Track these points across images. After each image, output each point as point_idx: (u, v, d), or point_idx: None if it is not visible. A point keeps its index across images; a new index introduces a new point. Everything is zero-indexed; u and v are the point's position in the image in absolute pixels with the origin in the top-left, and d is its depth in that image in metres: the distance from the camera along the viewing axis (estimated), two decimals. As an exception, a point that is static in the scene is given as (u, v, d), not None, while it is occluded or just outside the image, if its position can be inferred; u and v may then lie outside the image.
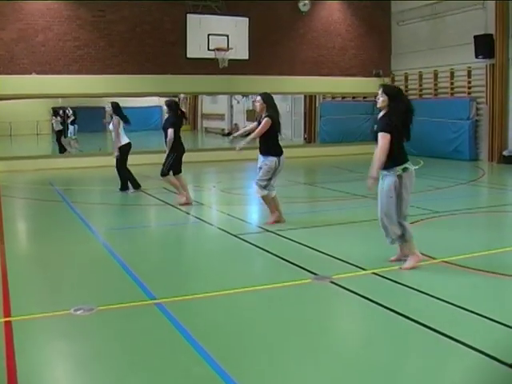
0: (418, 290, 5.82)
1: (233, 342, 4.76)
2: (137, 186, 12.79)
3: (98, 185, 11.42)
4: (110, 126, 12.67)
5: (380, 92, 6.59)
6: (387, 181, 6.57)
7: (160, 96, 36.79)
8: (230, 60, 19.36)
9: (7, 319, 5.19)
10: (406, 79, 22.61)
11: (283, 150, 8.97)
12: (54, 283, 6.50)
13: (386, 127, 6.46)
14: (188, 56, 19.12)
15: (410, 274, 6.45)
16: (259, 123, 8.92)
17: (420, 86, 22.06)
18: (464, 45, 19.41)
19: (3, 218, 10.13)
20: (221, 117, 38.44)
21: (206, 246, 8.25)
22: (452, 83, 20.70)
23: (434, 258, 7.03)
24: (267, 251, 7.54)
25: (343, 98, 24.69)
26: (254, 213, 11.33)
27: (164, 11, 19.63)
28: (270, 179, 8.93)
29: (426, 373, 4.15)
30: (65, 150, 22.93)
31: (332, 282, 6.14)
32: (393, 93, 6.60)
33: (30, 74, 18.13)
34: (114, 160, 12.66)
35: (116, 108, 12.73)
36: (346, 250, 7.09)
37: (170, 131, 10.86)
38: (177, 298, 5.76)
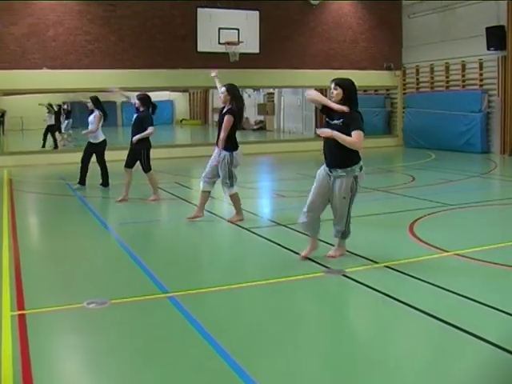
0: (430, 283, 5.79)
1: (245, 335, 4.76)
2: (83, 182, 12.64)
3: (110, 179, 11.45)
4: (90, 119, 12.47)
5: (333, 86, 6.43)
6: (344, 183, 6.42)
7: (171, 90, 37.11)
8: (240, 54, 19.35)
9: (21, 312, 5.22)
10: (418, 72, 22.55)
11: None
12: (67, 277, 6.52)
13: (361, 124, 6.32)
14: (199, 50, 19.13)
15: (423, 267, 6.43)
16: (221, 113, 8.84)
17: (431, 78, 21.99)
18: (475, 37, 19.31)
19: (16, 213, 10.18)
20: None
21: (217, 239, 8.26)
22: (463, 75, 20.62)
23: (446, 251, 7.00)
24: (279, 245, 7.54)
25: (354, 91, 24.61)
26: (266, 206, 11.34)
27: (174, 5, 19.63)
28: (231, 175, 8.78)
29: (440, 366, 4.13)
30: (55, 144, 22.82)
31: (344, 276, 6.13)
32: (347, 85, 6.41)
33: (41, 68, 18.21)
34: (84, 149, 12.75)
35: (96, 102, 12.60)
36: (357, 243, 7.07)
37: (152, 129, 10.67)
38: (189, 292, 5.77)
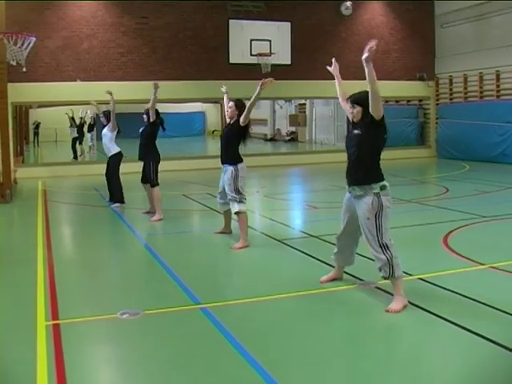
0: (465, 296, 5.71)
1: (278, 346, 4.73)
2: (122, 200, 12.09)
3: (141, 190, 11.49)
4: (104, 131, 12.06)
5: (350, 105, 5.86)
6: (365, 202, 5.67)
7: (203, 102, 37.33)
8: (272, 65, 19.39)
9: (55, 322, 5.26)
10: (451, 82, 22.37)
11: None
12: (100, 287, 6.56)
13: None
14: (230, 61, 19.24)
15: (457, 280, 6.35)
16: (227, 127, 8.58)
17: (465, 88, 21.78)
18: (510, 46, 19.10)
19: (50, 223, 10.28)
20: (263, 122, 38.53)
21: (249, 250, 8.24)
22: (498, 85, 20.39)
23: (481, 264, 6.90)
24: (311, 256, 7.50)
25: (386, 101, 24.51)
26: (298, 218, 11.30)
27: (206, 17, 19.78)
28: (238, 190, 8.30)
29: (473, 381, 4.08)
30: (77, 156, 23.09)
31: (377, 288, 6.07)
32: (364, 100, 5.69)
33: (75, 80, 18.43)
34: (105, 169, 12.23)
35: (109, 116, 12.13)
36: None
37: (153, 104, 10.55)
38: (221, 303, 5.77)
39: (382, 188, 5.70)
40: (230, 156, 8.43)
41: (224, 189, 8.51)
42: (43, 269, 7.12)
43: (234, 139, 8.44)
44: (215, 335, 4.91)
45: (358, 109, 5.77)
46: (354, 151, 5.82)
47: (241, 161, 8.48)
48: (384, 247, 5.62)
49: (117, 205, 11.88)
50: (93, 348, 4.83)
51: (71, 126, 24.22)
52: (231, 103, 8.59)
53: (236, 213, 8.37)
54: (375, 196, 5.65)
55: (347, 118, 6.19)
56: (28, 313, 5.50)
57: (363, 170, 5.73)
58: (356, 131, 5.83)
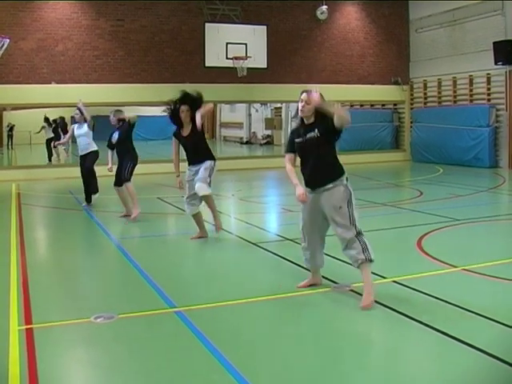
0: (438, 299, 5.76)
1: (252, 350, 4.74)
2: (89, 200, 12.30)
3: (115, 193, 11.42)
4: (82, 131, 12.07)
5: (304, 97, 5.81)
6: (335, 192, 5.76)
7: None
8: (248, 68, 19.40)
9: (29, 326, 5.21)
10: (425, 86, 22.56)
11: None
12: (74, 291, 6.53)
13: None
14: (206, 65, 19.20)
15: (431, 282, 6.40)
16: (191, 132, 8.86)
17: (439, 93, 21.98)
18: (483, 51, 19.35)
19: (24, 227, 10.20)
20: (239, 125, 38.54)
21: (224, 254, 8.25)
22: (471, 90, 20.61)
23: (454, 266, 6.97)
24: (286, 259, 7.52)
25: (361, 105, 24.69)
26: (273, 221, 11.32)
27: (182, 20, 19.77)
28: (210, 176, 8.64)
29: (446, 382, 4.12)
30: (51, 156, 22.87)
31: (352, 291, 6.10)
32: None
33: (50, 83, 18.30)
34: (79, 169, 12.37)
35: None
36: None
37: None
38: (197, 306, 5.75)
39: (347, 179, 5.90)
40: (208, 153, 8.86)
41: (189, 187, 8.77)
42: (16, 273, 7.06)
43: (204, 139, 8.93)
44: (190, 339, 4.90)
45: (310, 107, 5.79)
46: (317, 155, 5.83)
47: (215, 158, 8.87)
48: (359, 233, 5.81)
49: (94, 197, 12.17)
50: (67, 353, 4.79)
51: (46, 126, 23.96)
52: (185, 106, 8.74)
53: (204, 196, 8.55)
54: (344, 187, 5.82)
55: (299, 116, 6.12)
56: (1, 317, 5.45)
57: (332, 167, 5.87)
58: (311, 133, 5.80)
